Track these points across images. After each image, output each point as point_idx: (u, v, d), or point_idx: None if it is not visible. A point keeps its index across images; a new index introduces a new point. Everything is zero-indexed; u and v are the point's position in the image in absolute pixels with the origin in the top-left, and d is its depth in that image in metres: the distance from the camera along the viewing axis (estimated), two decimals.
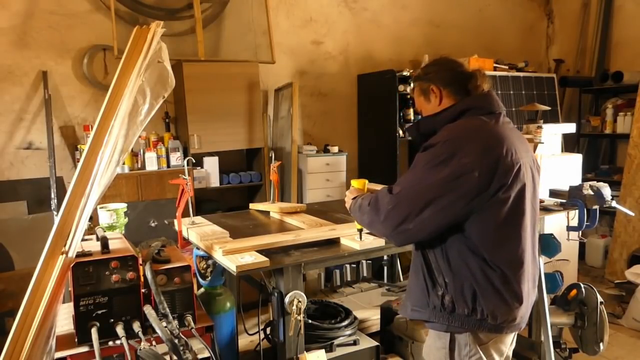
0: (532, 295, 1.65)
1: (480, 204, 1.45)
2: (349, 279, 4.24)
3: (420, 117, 1.76)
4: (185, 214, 2.44)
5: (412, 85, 1.81)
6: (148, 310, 1.73)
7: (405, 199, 1.50)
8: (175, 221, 2.46)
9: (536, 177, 1.63)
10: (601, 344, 2.71)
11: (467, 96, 1.61)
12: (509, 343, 1.65)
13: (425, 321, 1.64)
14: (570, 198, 2.77)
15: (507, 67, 5.22)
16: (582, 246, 4.52)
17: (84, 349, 1.69)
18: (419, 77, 1.71)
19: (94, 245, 1.87)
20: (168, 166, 3.89)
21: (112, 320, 1.72)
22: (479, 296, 1.51)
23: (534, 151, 3.54)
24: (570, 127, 3.96)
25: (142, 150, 3.84)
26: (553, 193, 3.18)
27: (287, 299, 1.84)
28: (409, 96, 4.77)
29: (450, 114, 1.59)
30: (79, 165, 1.78)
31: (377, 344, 2.46)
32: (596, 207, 2.72)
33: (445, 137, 1.51)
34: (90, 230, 2.10)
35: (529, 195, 1.55)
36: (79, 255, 1.74)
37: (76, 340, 1.70)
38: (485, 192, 1.44)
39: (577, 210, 2.71)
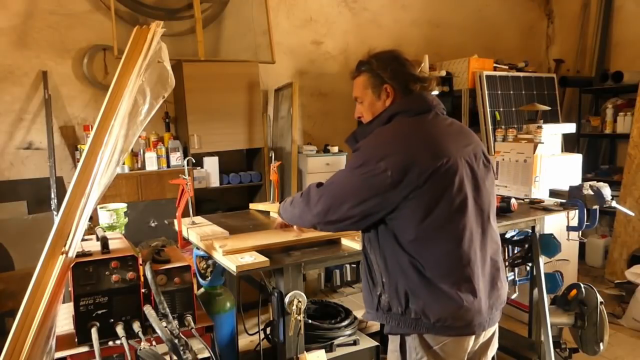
0: (484, 297, 1.54)
1: (396, 200, 1.48)
2: (349, 279, 4.24)
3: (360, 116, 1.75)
4: (185, 214, 2.44)
5: (359, 69, 1.71)
6: (148, 310, 1.73)
7: (326, 194, 1.60)
8: (175, 221, 2.46)
9: (478, 172, 1.57)
10: (601, 344, 2.71)
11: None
12: (467, 348, 1.57)
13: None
14: (570, 198, 2.77)
15: (507, 67, 5.22)
16: (582, 246, 4.51)
17: (84, 349, 1.69)
18: (374, 68, 1.66)
19: (94, 245, 1.87)
20: (168, 166, 3.89)
21: (112, 320, 1.72)
22: (410, 295, 1.50)
23: (534, 152, 3.54)
24: (570, 127, 3.95)
25: (142, 150, 3.84)
26: (553, 193, 3.18)
27: (287, 299, 1.84)
28: None
29: (381, 119, 1.62)
30: (79, 165, 1.77)
31: (377, 344, 2.45)
32: (596, 207, 2.72)
33: (368, 142, 1.58)
34: (90, 230, 2.10)
35: (467, 190, 1.52)
36: (79, 255, 1.74)
37: (76, 340, 1.69)
38: (399, 188, 1.46)
39: (577, 210, 2.71)
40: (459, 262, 1.50)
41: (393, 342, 1.62)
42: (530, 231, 2.72)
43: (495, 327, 1.66)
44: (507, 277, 1.70)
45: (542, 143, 3.59)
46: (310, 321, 2.37)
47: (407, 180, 1.46)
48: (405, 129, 1.56)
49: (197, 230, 2.29)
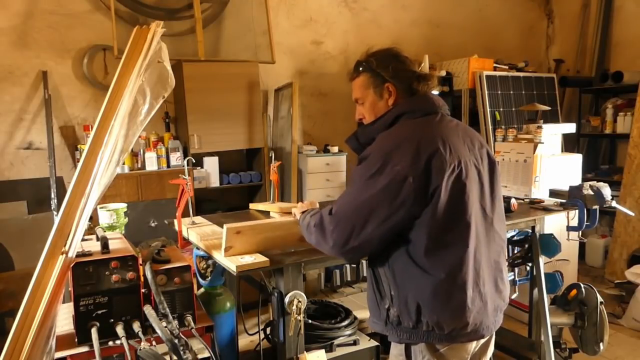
0: (489, 300, 1.54)
1: (420, 208, 1.42)
2: (349, 279, 4.24)
3: (360, 120, 1.68)
4: (185, 214, 2.44)
5: (358, 70, 1.65)
6: (148, 310, 1.73)
7: (344, 217, 1.47)
8: (175, 221, 2.46)
9: (483, 174, 1.55)
10: (601, 344, 2.71)
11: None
12: (470, 350, 1.57)
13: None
14: (570, 198, 2.77)
15: (507, 67, 5.22)
16: (582, 246, 4.51)
17: (84, 349, 1.69)
18: (374, 67, 1.61)
19: (94, 245, 1.87)
20: (168, 166, 3.89)
21: (112, 320, 1.72)
22: (422, 308, 1.46)
23: (534, 152, 3.54)
24: (570, 127, 3.95)
25: (142, 150, 3.84)
26: (553, 193, 3.18)
27: (287, 299, 1.84)
28: None
29: (385, 120, 1.56)
30: (79, 165, 1.78)
31: (377, 344, 2.46)
32: (596, 207, 2.72)
33: (377, 147, 1.50)
34: (90, 230, 2.10)
35: (474, 194, 1.50)
36: (79, 255, 1.74)
37: (76, 340, 1.70)
38: (424, 195, 1.41)
39: (577, 210, 2.71)
40: (469, 268, 1.47)
41: (397, 347, 1.60)
42: (530, 231, 2.72)
43: None
44: (507, 278, 1.67)
45: (542, 143, 3.59)
46: (310, 321, 2.37)
47: (431, 184, 1.41)
48: (413, 131, 1.50)
49: (197, 230, 2.29)
